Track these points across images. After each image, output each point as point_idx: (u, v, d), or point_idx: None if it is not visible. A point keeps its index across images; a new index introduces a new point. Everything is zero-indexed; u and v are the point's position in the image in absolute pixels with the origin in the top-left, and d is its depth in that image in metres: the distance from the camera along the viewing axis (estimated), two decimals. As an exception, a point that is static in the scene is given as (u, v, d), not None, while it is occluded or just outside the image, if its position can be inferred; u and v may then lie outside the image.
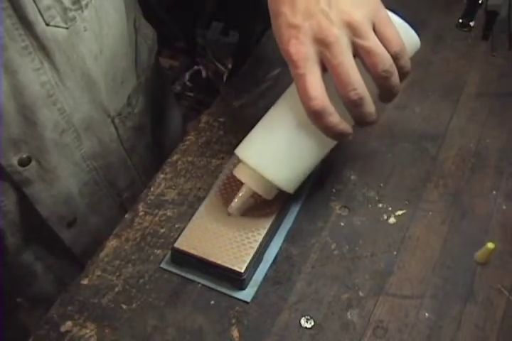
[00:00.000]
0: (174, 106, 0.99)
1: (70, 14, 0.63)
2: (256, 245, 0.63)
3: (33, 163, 0.68)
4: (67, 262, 0.83)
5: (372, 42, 0.55)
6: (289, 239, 0.68)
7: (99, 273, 0.65)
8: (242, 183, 0.64)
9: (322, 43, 0.54)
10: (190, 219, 0.66)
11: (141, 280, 0.64)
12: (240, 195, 0.64)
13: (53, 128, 0.68)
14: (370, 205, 0.71)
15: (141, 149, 0.87)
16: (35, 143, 0.67)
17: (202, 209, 0.66)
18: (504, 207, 0.71)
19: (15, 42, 0.59)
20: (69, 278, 0.66)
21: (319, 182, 0.73)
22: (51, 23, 0.61)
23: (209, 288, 0.64)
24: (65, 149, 0.71)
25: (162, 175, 0.73)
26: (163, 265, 0.65)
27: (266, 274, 0.65)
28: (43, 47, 0.62)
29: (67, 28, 0.63)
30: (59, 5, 0.61)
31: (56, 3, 0.61)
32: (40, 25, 0.60)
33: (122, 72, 0.76)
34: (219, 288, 0.63)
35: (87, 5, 0.64)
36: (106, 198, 0.83)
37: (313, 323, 0.62)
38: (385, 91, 0.58)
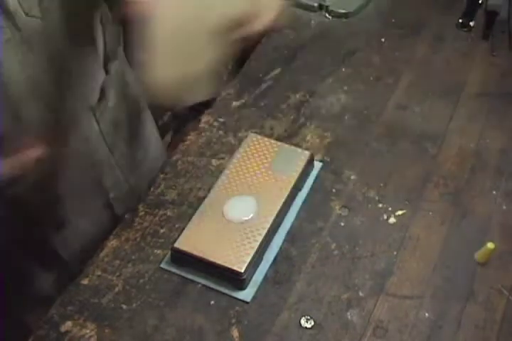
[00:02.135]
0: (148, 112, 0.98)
1: (46, 3, 0.63)
2: (256, 245, 0.63)
3: None
4: (62, 264, 0.83)
5: None
6: (289, 239, 0.68)
7: (99, 273, 0.65)
8: None
9: None
10: (190, 219, 0.66)
11: (141, 280, 0.64)
12: None
13: (39, 124, 0.67)
14: (370, 205, 0.71)
15: (121, 146, 0.86)
16: (22, 139, 0.66)
17: (202, 209, 0.66)
18: (504, 207, 0.71)
19: None
20: (67, 279, 0.66)
21: (319, 182, 0.73)
22: (30, 14, 0.61)
23: (209, 288, 0.64)
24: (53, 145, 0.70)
25: (162, 175, 0.73)
26: (163, 265, 0.65)
27: (266, 274, 0.65)
28: (25, 40, 0.61)
29: (43, 18, 0.63)
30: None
31: None
32: (20, 16, 0.60)
33: (92, 63, 0.76)
34: (219, 288, 0.63)
35: None
36: (93, 199, 0.82)
37: (313, 323, 0.62)
38: None
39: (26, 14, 0.61)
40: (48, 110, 0.68)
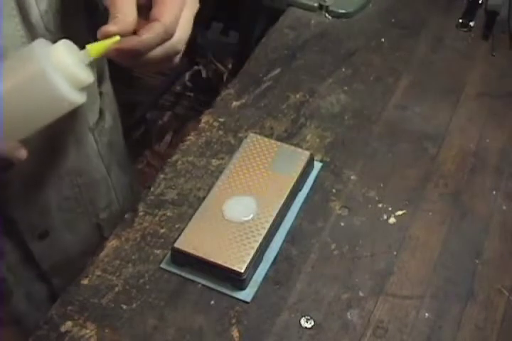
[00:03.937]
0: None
1: (58, 20, 0.62)
2: (256, 245, 0.63)
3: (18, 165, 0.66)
4: (36, 277, 0.81)
5: None
6: (289, 239, 0.68)
7: (99, 273, 0.65)
8: None
9: None
10: (190, 219, 0.66)
11: (141, 280, 0.64)
12: None
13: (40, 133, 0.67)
14: (370, 205, 0.71)
15: (116, 168, 0.86)
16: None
17: (202, 209, 0.66)
18: (504, 207, 0.71)
19: (15, 47, 0.58)
20: (37, 294, 0.64)
21: (319, 182, 0.73)
22: (48, 28, 0.60)
23: (209, 288, 0.64)
24: (51, 159, 0.70)
25: (162, 175, 0.73)
26: (163, 265, 0.65)
27: (266, 274, 0.65)
28: None
29: (55, 34, 0.61)
30: (51, 10, 0.60)
31: (49, 8, 0.60)
32: (40, 30, 0.59)
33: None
34: (219, 288, 0.63)
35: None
36: (83, 216, 0.81)
37: (313, 323, 0.62)
38: None
39: (46, 29, 0.60)
40: (50, 129, 0.68)
